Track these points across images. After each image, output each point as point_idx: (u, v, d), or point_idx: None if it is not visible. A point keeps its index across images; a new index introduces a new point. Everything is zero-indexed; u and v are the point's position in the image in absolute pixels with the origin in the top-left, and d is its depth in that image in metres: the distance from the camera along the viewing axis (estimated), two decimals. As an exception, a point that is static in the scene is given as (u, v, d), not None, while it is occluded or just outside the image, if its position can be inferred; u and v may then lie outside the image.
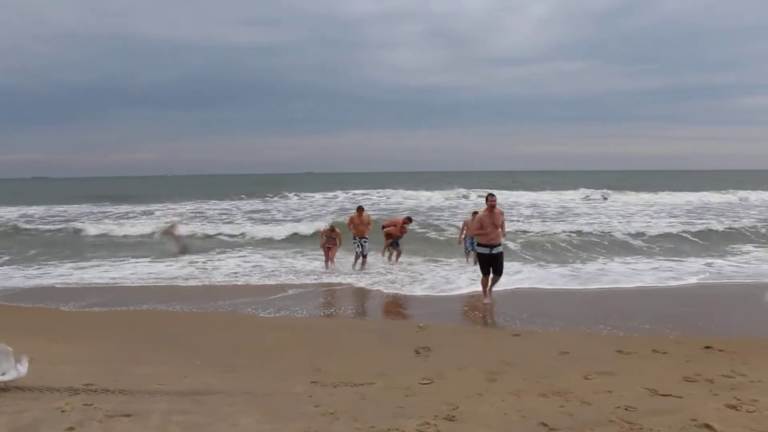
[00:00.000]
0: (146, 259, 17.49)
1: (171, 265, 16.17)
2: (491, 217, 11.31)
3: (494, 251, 11.31)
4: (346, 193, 50.91)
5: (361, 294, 12.74)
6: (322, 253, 15.87)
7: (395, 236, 16.55)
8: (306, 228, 23.34)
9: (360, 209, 16.20)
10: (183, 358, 7.54)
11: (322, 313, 10.97)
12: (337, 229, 16.01)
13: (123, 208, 37.06)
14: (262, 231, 23.54)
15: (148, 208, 36.25)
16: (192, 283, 13.94)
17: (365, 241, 15.50)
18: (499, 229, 11.37)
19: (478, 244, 11.63)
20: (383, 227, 17.01)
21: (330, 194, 50.01)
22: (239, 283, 13.78)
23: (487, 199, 11.56)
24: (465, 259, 15.99)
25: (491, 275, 11.44)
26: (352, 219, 15.95)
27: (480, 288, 11.65)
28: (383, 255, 16.81)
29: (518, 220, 25.83)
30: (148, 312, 10.90)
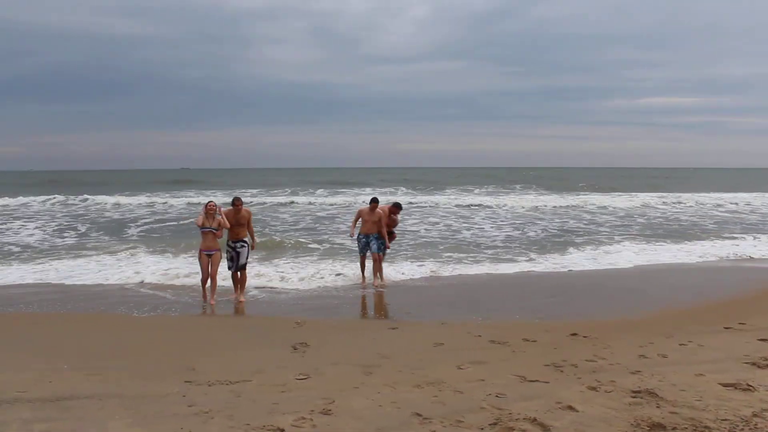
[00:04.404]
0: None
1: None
2: None
3: None
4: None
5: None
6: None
7: (375, 232, 12.65)
8: None
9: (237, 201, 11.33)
10: (48, 362, 7.06)
11: (197, 313, 10.64)
12: (219, 217, 11.00)
13: None
14: None
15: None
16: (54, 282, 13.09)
17: (242, 246, 11.25)
18: None
19: None
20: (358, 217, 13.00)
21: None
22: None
23: None
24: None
25: None
26: (228, 214, 11.12)
27: None
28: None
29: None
30: (5, 315, 10.15)
